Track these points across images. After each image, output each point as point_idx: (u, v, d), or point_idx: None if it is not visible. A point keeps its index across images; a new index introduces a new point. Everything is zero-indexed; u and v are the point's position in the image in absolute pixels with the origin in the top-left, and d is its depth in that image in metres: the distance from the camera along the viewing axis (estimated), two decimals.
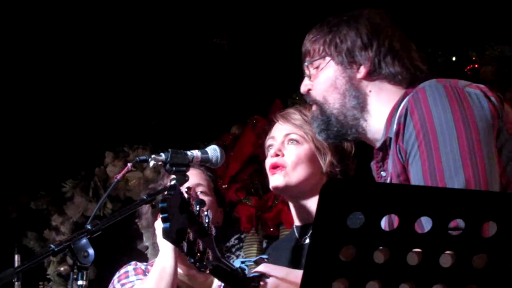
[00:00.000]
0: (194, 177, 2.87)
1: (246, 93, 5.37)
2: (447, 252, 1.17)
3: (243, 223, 5.08)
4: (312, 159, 2.71)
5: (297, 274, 2.16)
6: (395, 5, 2.38)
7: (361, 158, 2.65)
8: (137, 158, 2.50)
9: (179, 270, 2.91)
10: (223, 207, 3.06)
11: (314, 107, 2.26)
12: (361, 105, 2.14)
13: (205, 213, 2.15)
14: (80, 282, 2.12)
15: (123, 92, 5.74)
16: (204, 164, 2.64)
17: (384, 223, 1.18)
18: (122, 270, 2.95)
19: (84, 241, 2.12)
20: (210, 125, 5.37)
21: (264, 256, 2.67)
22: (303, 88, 2.28)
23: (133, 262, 3.00)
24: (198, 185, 2.91)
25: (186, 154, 2.53)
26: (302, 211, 2.73)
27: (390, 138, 2.00)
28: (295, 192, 2.72)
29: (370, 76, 2.15)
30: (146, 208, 3.00)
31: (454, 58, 4.53)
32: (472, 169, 1.77)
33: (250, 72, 5.31)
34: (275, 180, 2.70)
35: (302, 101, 4.84)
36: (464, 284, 1.18)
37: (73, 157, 6.18)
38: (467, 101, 1.87)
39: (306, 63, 2.26)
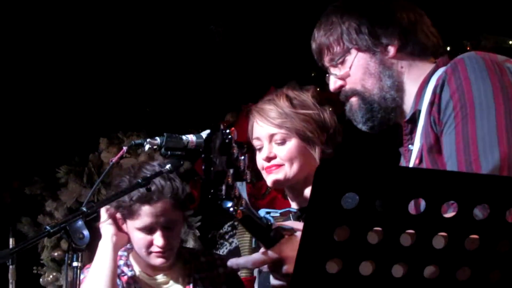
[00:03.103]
0: (164, 215, 2.88)
1: (241, 80, 5.37)
2: (440, 233, 1.17)
3: None
4: (303, 151, 2.73)
5: None
6: None
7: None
8: (133, 142, 2.49)
9: (139, 271, 2.96)
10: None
11: (353, 99, 2.20)
12: (397, 84, 2.12)
13: (243, 157, 2.11)
14: (75, 264, 2.11)
15: (118, 78, 5.73)
16: (199, 148, 2.64)
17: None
18: (85, 273, 2.89)
19: (79, 222, 2.12)
20: (205, 112, 5.38)
21: (292, 209, 2.69)
22: (334, 86, 2.23)
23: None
24: (169, 222, 2.91)
25: (181, 139, 2.52)
26: (300, 197, 2.76)
27: (419, 111, 1.99)
28: (293, 183, 2.74)
29: (399, 53, 2.12)
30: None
31: (448, 48, 4.53)
32: (508, 145, 1.72)
33: (245, 59, 5.31)
34: (274, 177, 2.72)
35: (298, 89, 4.85)
36: (456, 266, 1.19)
37: (67, 143, 6.17)
38: (507, 76, 1.83)
39: (328, 62, 2.22)
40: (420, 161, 1.94)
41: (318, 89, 2.87)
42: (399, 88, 2.12)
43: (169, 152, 2.45)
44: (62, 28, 5.43)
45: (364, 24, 2.14)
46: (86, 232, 2.12)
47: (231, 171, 1.91)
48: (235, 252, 5.32)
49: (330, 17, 2.20)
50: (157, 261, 2.90)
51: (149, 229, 2.87)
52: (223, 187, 1.88)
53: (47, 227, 2.13)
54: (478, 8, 4.40)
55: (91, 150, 6.19)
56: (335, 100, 2.66)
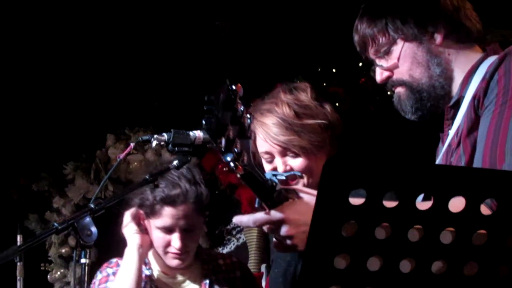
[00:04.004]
0: (183, 218, 2.91)
1: (246, 77, 5.37)
2: (448, 229, 1.17)
3: (244, 206, 5.10)
4: (316, 157, 2.66)
5: None
6: None
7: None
8: (140, 138, 2.49)
9: (157, 270, 3.00)
10: None
11: (400, 89, 2.18)
12: (445, 72, 2.10)
13: (248, 115, 2.08)
14: (83, 260, 2.12)
15: (125, 74, 5.73)
16: (206, 144, 2.64)
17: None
18: (104, 273, 3.00)
19: (87, 219, 2.12)
20: None
21: (298, 173, 2.56)
22: (380, 78, 2.21)
23: (114, 261, 3.06)
24: (187, 225, 2.94)
25: (189, 134, 2.51)
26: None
27: (463, 97, 1.98)
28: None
29: (445, 40, 2.11)
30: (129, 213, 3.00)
31: None
32: None
33: (250, 56, 5.31)
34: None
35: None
36: (464, 261, 1.19)
37: (74, 139, 6.18)
38: None
39: (373, 54, 2.20)
40: (458, 144, 1.93)
41: (310, 85, 2.76)
42: (447, 76, 2.11)
43: (176, 148, 2.45)
44: (69, 25, 5.43)
45: (408, 13, 2.12)
46: (94, 229, 2.13)
47: (235, 127, 1.88)
48: (243, 248, 5.33)
49: (373, 8, 2.19)
50: (173, 262, 2.93)
51: (168, 230, 2.90)
52: (223, 140, 1.84)
53: (55, 224, 2.13)
54: (484, 3, 4.39)
55: (98, 146, 6.20)
56: (334, 93, 2.62)
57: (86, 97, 5.92)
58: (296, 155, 2.63)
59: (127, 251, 2.88)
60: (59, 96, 5.96)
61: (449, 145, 2.00)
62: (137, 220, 2.96)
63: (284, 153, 2.64)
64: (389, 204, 1.16)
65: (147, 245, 2.94)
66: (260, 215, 1.80)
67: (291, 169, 2.65)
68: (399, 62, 2.15)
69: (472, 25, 2.13)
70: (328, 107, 2.70)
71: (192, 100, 5.56)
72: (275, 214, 1.77)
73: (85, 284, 2.16)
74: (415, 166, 1.18)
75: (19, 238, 3.34)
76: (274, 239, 1.87)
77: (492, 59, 1.94)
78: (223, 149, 1.86)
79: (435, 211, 1.16)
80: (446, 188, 1.16)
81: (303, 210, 1.76)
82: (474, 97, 1.90)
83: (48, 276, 6.31)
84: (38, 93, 5.96)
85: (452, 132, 2.02)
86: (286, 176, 2.08)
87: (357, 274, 1.17)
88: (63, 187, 6.39)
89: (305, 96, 2.68)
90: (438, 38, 2.11)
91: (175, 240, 2.88)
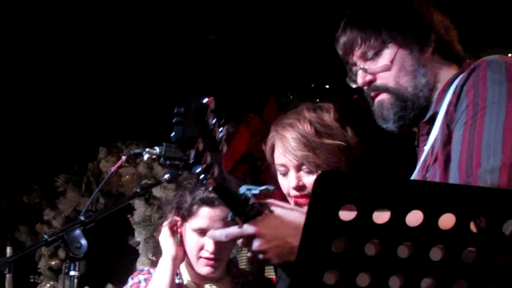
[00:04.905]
0: (218, 221, 2.90)
1: (240, 91, 5.37)
2: (438, 245, 1.18)
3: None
4: None
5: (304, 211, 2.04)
6: None
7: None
8: (132, 152, 2.51)
9: (188, 280, 3.00)
10: None
11: (384, 96, 2.16)
12: (429, 83, 2.10)
13: (221, 128, 2.07)
14: (72, 273, 2.12)
15: (118, 88, 5.74)
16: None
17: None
18: (135, 280, 2.99)
19: (77, 232, 2.13)
20: None
21: (270, 187, 2.62)
22: (362, 81, 2.19)
23: (146, 269, 3.06)
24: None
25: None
26: None
27: (438, 112, 1.99)
28: None
29: (434, 54, 2.13)
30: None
31: None
32: (511, 152, 1.68)
33: (245, 70, 5.32)
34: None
35: (296, 100, 4.86)
36: (453, 278, 1.19)
37: (66, 151, 6.18)
38: None
39: (359, 55, 2.19)
40: (435, 160, 1.92)
41: (337, 106, 2.79)
42: (430, 88, 2.11)
43: (168, 162, 2.46)
44: (62, 37, 5.44)
45: (405, 21, 2.13)
46: (84, 241, 2.13)
47: (206, 139, 1.88)
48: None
49: (368, 10, 2.19)
50: (204, 269, 2.92)
51: (203, 232, 2.88)
52: (192, 152, 1.85)
53: (45, 236, 2.14)
54: (477, 24, 4.42)
55: (90, 159, 6.20)
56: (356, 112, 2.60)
57: (79, 109, 5.92)
58: (310, 172, 2.65)
59: (162, 261, 2.90)
60: (52, 109, 5.96)
61: (424, 160, 1.99)
62: (173, 228, 2.98)
63: (299, 168, 2.67)
64: (379, 220, 1.16)
65: (181, 257, 2.96)
66: (232, 229, 1.82)
67: (304, 186, 2.67)
68: (386, 67, 2.14)
69: (457, 46, 2.17)
70: (349, 130, 2.71)
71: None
72: (247, 228, 1.77)
73: None
74: (406, 182, 1.19)
75: (8, 250, 3.33)
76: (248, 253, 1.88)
77: (466, 71, 1.93)
78: (191, 161, 1.87)
79: (425, 228, 1.16)
80: (437, 205, 1.16)
81: (276, 224, 1.77)
82: (446, 112, 1.90)
83: None
84: (30, 105, 5.97)
85: (427, 147, 2.01)
86: (260, 190, 2.09)
87: None
88: (54, 199, 6.39)
89: (328, 116, 2.70)
90: (429, 50, 2.13)
91: (209, 243, 2.88)
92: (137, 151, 2.50)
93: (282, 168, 2.71)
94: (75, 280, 2.14)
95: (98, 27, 5.35)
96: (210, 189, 1.97)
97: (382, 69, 2.15)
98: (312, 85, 5.20)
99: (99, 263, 5.11)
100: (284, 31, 4.84)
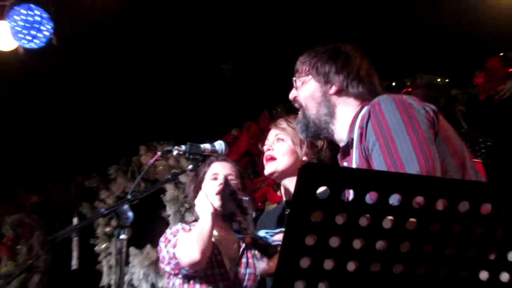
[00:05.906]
0: (227, 169, 2.87)
1: (243, 105, 5.37)
2: (388, 217, 1.17)
3: None
4: (292, 151, 2.73)
5: None
6: (364, 41, 2.33)
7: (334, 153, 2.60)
8: (164, 149, 2.50)
9: (214, 233, 2.84)
10: (248, 192, 2.88)
11: (300, 112, 2.19)
12: (331, 113, 2.10)
13: (246, 198, 2.23)
14: (122, 237, 2.11)
15: (155, 101, 5.73)
16: (212, 154, 2.64)
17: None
18: (173, 228, 2.82)
19: (125, 207, 2.12)
20: (216, 127, 5.38)
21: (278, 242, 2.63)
22: (291, 96, 2.21)
23: (180, 223, 2.91)
24: (230, 174, 2.87)
25: (200, 146, 2.53)
26: (287, 190, 2.72)
27: (352, 139, 1.97)
28: (282, 175, 2.72)
29: (339, 93, 2.11)
30: (191, 188, 2.96)
31: (394, 84, 4.55)
32: (423, 159, 1.72)
33: (246, 88, 5.32)
34: (269, 168, 2.71)
35: (284, 112, 4.85)
36: (400, 241, 1.18)
37: (116, 148, 6.18)
38: (412, 110, 1.82)
39: (294, 78, 2.21)
40: None
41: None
42: (332, 116, 2.10)
43: (191, 156, 2.46)
44: (118, 51, 5.30)
45: (325, 66, 2.13)
46: (130, 214, 2.12)
47: (239, 210, 2.25)
48: None
49: (311, 52, 2.20)
50: (216, 200, 2.78)
51: (216, 178, 2.84)
52: (235, 224, 2.23)
53: (102, 210, 2.13)
54: (415, 54, 4.41)
55: (134, 154, 6.21)
56: None
57: (127, 117, 5.92)
58: (281, 140, 2.76)
59: (202, 216, 2.69)
60: (108, 116, 5.95)
61: None
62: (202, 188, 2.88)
63: (274, 140, 2.78)
64: (339, 220, 1.15)
65: (216, 214, 2.74)
66: (263, 266, 2.13)
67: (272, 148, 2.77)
68: (302, 92, 2.16)
69: (365, 89, 2.10)
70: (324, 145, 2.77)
71: (203, 120, 5.57)
72: (271, 265, 2.03)
73: (123, 254, 2.15)
74: (365, 171, 1.18)
75: (75, 220, 3.32)
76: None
77: (365, 109, 1.93)
78: (235, 230, 2.28)
79: (379, 204, 1.15)
80: (387, 187, 1.15)
81: None
82: (359, 142, 1.89)
83: (96, 248, 6.28)
84: (93, 113, 5.95)
85: (352, 165, 2.00)
86: (275, 232, 2.29)
87: (322, 249, 1.17)
88: (107, 184, 6.39)
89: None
90: (334, 89, 2.11)
91: (220, 179, 2.83)
92: (168, 148, 2.49)
93: (267, 143, 2.80)
94: (124, 242, 2.13)
95: (136, 43, 5.25)
96: (247, 242, 2.31)
97: (300, 93, 2.17)
98: None
99: (141, 230, 5.09)
100: (275, 60, 4.83)
